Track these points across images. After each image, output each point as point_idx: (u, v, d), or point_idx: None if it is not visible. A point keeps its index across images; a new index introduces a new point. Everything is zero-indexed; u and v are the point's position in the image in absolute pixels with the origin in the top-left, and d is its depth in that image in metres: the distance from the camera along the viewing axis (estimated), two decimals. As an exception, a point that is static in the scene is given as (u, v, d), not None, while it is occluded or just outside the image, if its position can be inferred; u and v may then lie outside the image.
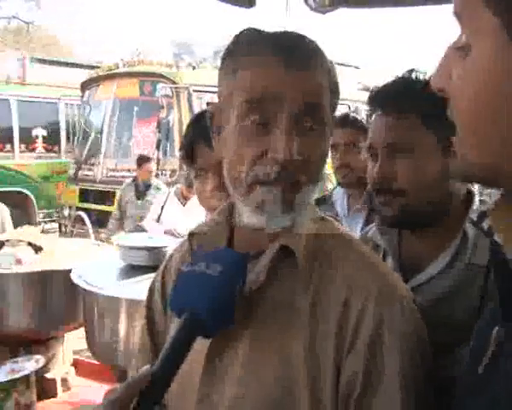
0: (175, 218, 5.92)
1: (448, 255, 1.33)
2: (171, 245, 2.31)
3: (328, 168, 2.80)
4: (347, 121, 2.83)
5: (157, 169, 8.34)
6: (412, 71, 1.39)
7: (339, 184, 2.96)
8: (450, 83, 0.68)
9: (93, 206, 8.86)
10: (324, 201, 2.97)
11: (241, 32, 1.06)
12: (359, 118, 2.86)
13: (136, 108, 9.25)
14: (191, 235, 1.15)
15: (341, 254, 1.03)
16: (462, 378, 0.81)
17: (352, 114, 2.92)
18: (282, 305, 1.01)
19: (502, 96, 0.62)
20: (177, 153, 8.54)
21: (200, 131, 1.61)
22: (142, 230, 5.96)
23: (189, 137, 1.73)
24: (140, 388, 0.84)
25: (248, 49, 1.02)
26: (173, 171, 8.37)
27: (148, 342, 1.24)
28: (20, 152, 10.87)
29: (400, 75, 1.42)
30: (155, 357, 1.13)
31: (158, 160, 8.47)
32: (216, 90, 1.11)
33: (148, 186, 7.25)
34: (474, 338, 0.83)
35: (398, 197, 1.34)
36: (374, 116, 1.43)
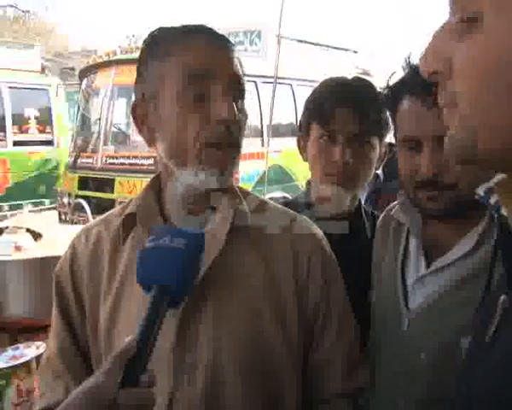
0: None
1: (475, 237, 1.30)
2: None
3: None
4: None
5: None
6: None
7: None
8: (446, 62, 0.66)
9: (93, 193, 8.83)
10: None
11: (155, 31, 1.23)
12: None
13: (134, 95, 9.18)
14: (127, 216, 1.25)
15: (278, 215, 1.29)
16: (469, 347, 0.82)
17: None
18: (239, 262, 1.18)
19: None
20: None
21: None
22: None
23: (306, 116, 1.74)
24: (126, 359, 0.88)
25: (172, 38, 1.16)
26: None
27: (64, 330, 1.31)
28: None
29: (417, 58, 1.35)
30: (73, 343, 1.29)
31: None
32: None
33: None
34: (480, 308, 0.84)
35: (448, 191, 1.29)
36: (406, 105, 1.35)
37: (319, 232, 1.31)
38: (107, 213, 1.35)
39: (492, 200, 0.74)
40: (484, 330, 0.74)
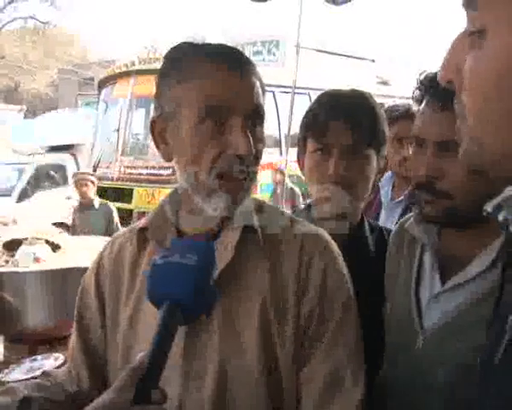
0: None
1: (493, 253, 1.25)
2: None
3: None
4: (409, 114, 2.82)
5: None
6: None
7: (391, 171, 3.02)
8: (459, 73, 0.66)
9: (111, 203, 8.90)
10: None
11: (178, 46, 1.20)
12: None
13: (152, 106, 9.25)
14: (140, 230, 1.25)
15: (288, 226, 1.24)
16: (479, 368, 0.80)
17: (412, 108, 2.91)
18: (247, 269, 1.17)
19: None
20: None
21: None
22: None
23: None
24: (137, 376, 0.88)
25: (194, 60, 1.14)
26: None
27: (80, 346, 1.29)
28: None
29: None
30: (88, 357, 1.26)
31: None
32: None
33: None
34: (490, 328, 0.82)
35: (443, 199, 1.28)
36: (425, 103, 1.35)
37: (325, 235, 1.26)
38: (135, 223, 1.34)
39: (501, 216, 0.72)
40: (493, 351, 0.72)
